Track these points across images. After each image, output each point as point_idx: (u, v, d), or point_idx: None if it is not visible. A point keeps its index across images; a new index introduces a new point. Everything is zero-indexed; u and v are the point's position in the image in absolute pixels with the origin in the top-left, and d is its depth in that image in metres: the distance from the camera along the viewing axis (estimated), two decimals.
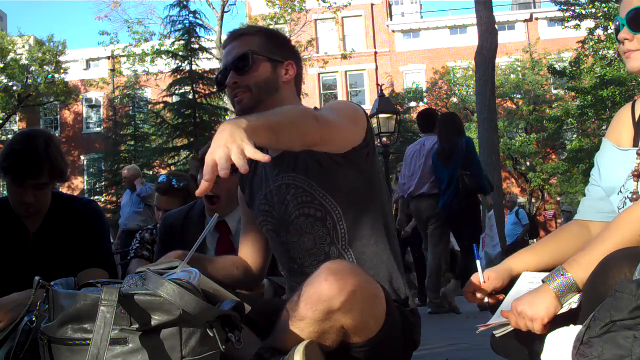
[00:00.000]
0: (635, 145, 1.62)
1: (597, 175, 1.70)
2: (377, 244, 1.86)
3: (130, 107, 24.69)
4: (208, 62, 19.38)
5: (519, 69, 26.92)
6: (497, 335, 1.56)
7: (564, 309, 1.41)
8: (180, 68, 18.22)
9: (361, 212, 1.86)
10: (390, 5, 32.18)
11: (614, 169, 1.64)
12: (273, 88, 1.92)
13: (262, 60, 1.92)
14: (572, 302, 1.41)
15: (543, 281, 1.44)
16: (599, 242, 1.42)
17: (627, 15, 1.57)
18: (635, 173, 1.56)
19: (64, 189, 25.24)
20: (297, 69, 1.99)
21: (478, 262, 1.73)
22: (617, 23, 1.59)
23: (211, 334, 1.35)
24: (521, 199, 27.41)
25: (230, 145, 1.33)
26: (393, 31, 30.84)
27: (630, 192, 1.56)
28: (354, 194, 1.85)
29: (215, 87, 1.89)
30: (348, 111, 1.83)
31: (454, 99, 27.42)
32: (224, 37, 21.80)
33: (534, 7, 31.09)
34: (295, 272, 1.91)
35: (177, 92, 18.23)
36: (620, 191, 1.59)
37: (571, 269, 1.41)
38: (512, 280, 1.68)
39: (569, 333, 1.27)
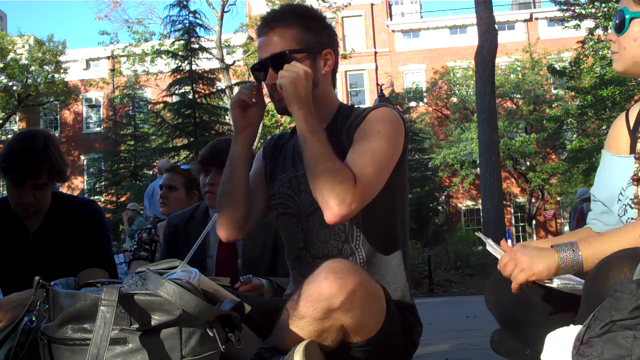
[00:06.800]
0: (632, 151, 1.64)
1: (594, 189, 1.72)
2: (390, 249, 1.85)
3: (130, 107, 24.68)
4: (208, 62, 19.37)
5: (519, 69, 26.90)
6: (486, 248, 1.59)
7: (553, 284, 1.44)
8: (180, 68, 18.21)
9: (380, 217, 1.84)
10: (390, 5, 32.16)
11: (612, 176, 1.65)
12: (312, 83, 1.83)
13: (301, 58, 1.83)
14: (564, 282, 1.43)
15: (552, 246, 1.46)
16: (616, 235, 1.43)
17: (614, 18, 1.60)
18: (635, 178, 1.57)
19: (64, 189, 25.26)
20: (335, 55, 1.91)
21: (502, 241, 1.61)
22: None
23: (211, 334, 1.36)
24: (521, 199, 27.41)
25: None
26: (393, 31, 30.82)
27: (630, 198, 1.56)
28: (377, 198, 1.80)
29: (254, 71, 1.80)
30: (391, 148, 1.79)
31: (454, 99, 27.41)
32: (224, 37, 21.94)
33: (534, 7, 31.07)
34: (304, 261, 1.90)
35: (177, 92, 18.21)
36: (619, 199, 1.60)
37: (583, 249, 1.43)
38: None
39: (569, 333, 1.26)
